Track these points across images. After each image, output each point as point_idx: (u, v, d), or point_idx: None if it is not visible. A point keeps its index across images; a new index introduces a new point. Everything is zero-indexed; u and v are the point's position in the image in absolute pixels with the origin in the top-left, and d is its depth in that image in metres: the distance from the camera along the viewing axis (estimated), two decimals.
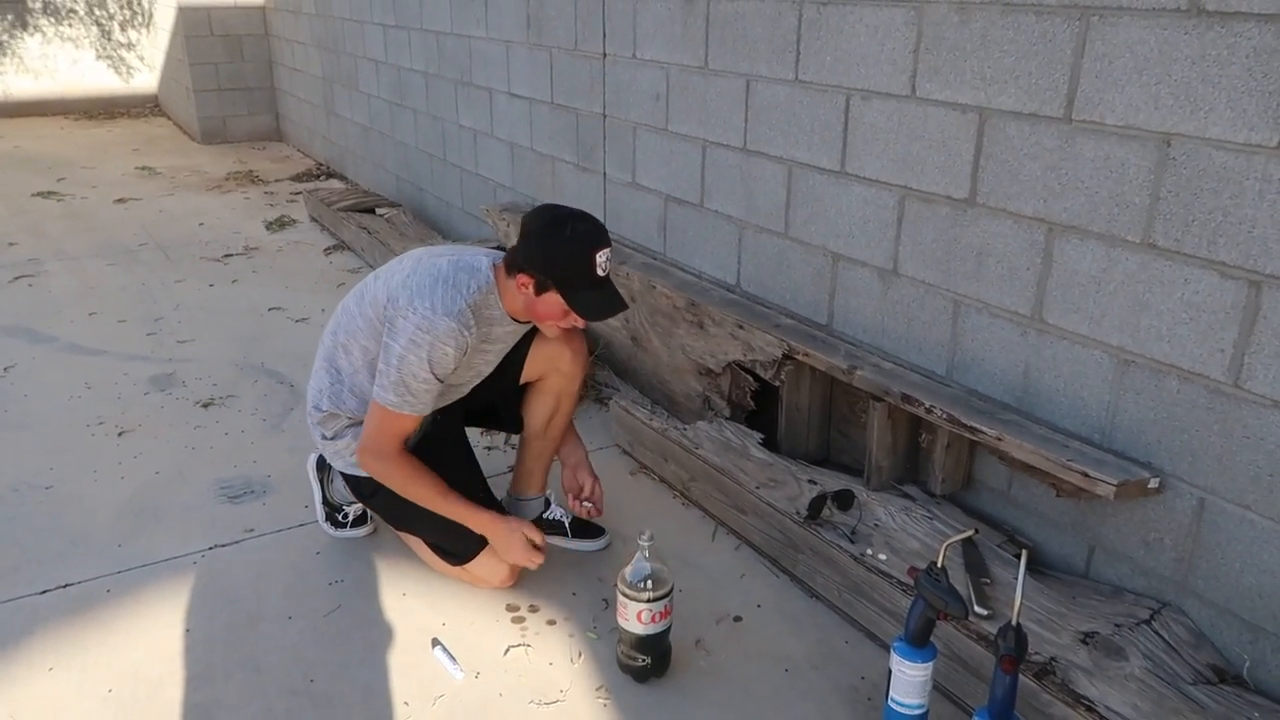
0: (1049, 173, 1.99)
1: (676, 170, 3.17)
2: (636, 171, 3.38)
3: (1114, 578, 2.04)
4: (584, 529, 2.44)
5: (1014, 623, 1.50)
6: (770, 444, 2.69)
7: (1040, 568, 2.15)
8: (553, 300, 1.99)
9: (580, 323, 2.07)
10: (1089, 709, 1.65)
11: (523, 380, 2.33)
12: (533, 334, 2.27)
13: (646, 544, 1.90)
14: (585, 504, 2.34)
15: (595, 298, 1.99)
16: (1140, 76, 1.79)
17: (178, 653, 2.04)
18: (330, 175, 6.98)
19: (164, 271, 4.70)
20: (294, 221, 5.68)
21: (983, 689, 1.83)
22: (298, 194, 6.33)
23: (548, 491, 2.48)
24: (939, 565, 1.63)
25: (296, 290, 4.43)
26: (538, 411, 2.36)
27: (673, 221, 3.24)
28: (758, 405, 2.82)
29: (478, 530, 2.16)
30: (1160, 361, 1.87)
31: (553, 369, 2.30)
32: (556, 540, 2.43)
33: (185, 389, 3.35)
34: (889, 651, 1.73)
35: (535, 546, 2.13)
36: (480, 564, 2.23)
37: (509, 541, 2.13)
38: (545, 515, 2.44)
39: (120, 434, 3.02)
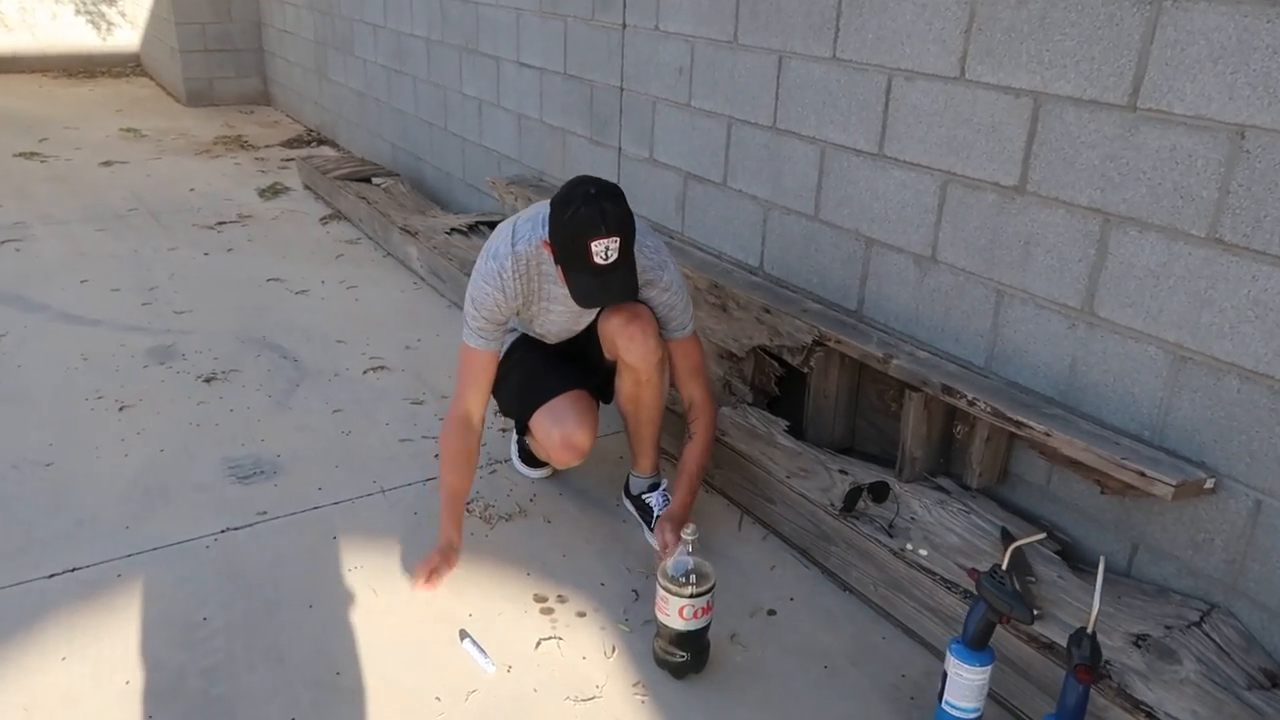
0: (1108, 162, 1.93)
1: (698, 147, 3.08)
2: (654, 147, 3.29)
3: (1158, 577, 2.01)
4: None
5: (1090, 630, 1.45)
6: (795, 431, 2.63)
7: (1080, 565, 2.11)
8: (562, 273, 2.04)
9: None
10: (1149, 715, 1.62)
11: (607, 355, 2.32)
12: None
13: (690, 538, 1.84)
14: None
15: (588, 283, 2.00)
16: (1215, 65, 1.73)
17: (196, 641, 1.97)
18: (321, 142, 6.82)
19: (156, 238, 4.56)
20: (287, 189, 5.54)
21: (1030, 690, 1.79)
22: (289, 160, 6.18)
23: (658, 475, 2.43)
24: (1003, 568, 1.59)
25: (294, 260, 4.31)
26: (620, 391, 2.33)
27: (692, 200, 3.16)
28: (780, 391, 2.76)
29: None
30: (1220, 360, 1.82)
31: (616, 355, 2.25)
32: (644, 526, 2.40)
33: (186, 362, 3.25)
34: (927, 648, 1.68)
35: (434, 571, 2.13)
36: (535, 425, 2.30)
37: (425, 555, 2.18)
38: (642, 496, 2.39)
39: (121, 409, 2.92)
